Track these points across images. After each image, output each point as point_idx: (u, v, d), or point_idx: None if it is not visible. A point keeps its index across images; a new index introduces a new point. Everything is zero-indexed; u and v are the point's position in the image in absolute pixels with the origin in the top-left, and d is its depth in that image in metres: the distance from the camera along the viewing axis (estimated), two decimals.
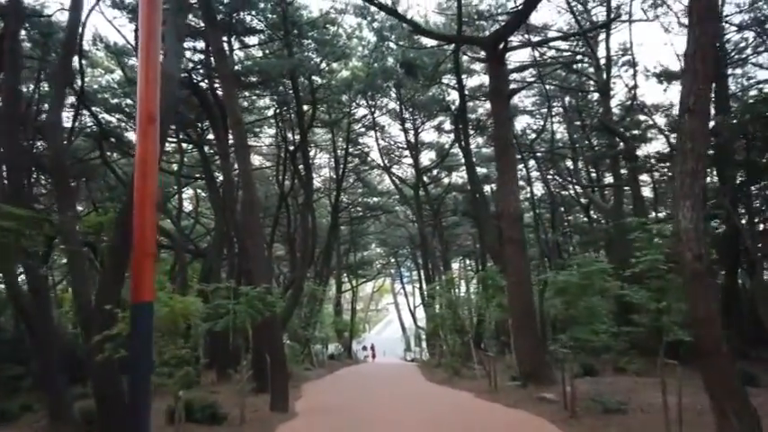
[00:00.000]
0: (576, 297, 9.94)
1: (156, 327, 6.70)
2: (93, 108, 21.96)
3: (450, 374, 17.33)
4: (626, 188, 20.10)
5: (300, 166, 23.87)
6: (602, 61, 20.68)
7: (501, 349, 22.81)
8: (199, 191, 34.80)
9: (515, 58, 51.81)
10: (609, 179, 29.16)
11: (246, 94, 24.92)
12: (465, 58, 24.34)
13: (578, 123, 27.93)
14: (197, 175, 29.45)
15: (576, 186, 30.46)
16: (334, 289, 43.92)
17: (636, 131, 24.94)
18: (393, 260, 57.56)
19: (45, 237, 17.76)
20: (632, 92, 20.58)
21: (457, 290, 22.84)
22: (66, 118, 21.68)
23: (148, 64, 4.50)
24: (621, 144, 18.54)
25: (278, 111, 26.42)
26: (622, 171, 22.19)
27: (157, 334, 6.78)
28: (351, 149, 33.76)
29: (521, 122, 31.72)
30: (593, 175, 30.00)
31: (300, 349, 23.83)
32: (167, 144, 28.91)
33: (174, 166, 29.78)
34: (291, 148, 25.23)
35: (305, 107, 23.77)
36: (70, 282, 15.41)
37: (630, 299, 7.83)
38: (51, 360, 9.48)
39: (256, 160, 36.25)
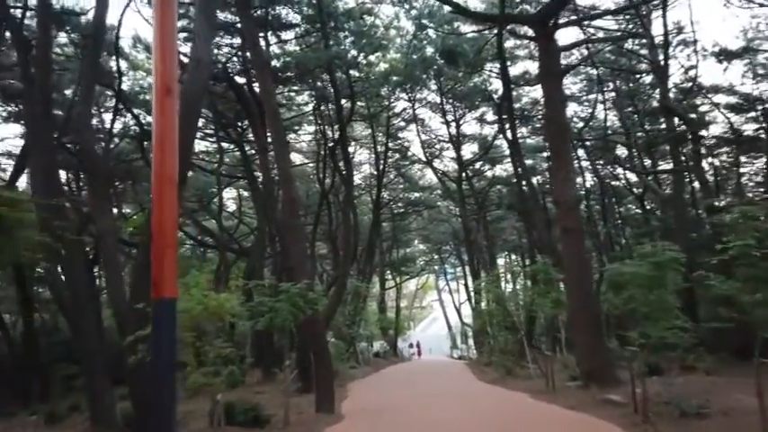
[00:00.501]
0: (644, 290, 9.01)
1: (192, 326, 6.25)
2: (135, 110, 22.14)
3: (502, 374, 16.51)
4: (686, 174, 18.74)
5: (340, 162, 23.45)
6: (658, 39, 19.33)
7: (553, 347, 21.78)
8: (241, 191, 34.98)
9: (564, 39, 49.98)
10: (663, 166, 27.62)
11: (284, 89, 24.66)
12: (508, 44, 23.39)
13: (630, 109, 26.46)
14: (238, 175, 29.46)
15: (630, 175, 28.93)
16: (378, 286, 43.49)
17: (694, 115, 23.40)
18: (436, 256, 56.62)
19: (91, 237, 17.95)
20: (691, 72, 19.15)
21: (505, 285, 21.92)
22: (107, 120, 22.03)
23: (163, 35, 4.00)
24: (683, 127, 17.22)
25: (316, 106, 26.06)
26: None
27: (193, 334, 6.31)
28: (391, 144, 33.17)
29: (567, 110, 30.39)
30: (647, 162, 28.40)
31: (345, 347, 23.42)
32: (207, 143, 29.26)
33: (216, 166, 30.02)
34: (330, 144, 24.83)
35: (343, 102, 23.33)
36: (106, 281, 15.40)
37: (717, 290, 6.89)
38: (93, 361, 9.25)
39: (296, 158, 36.16)
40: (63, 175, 25.57)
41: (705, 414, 8.39)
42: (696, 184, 23.56)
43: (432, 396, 13.31)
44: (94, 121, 22.65)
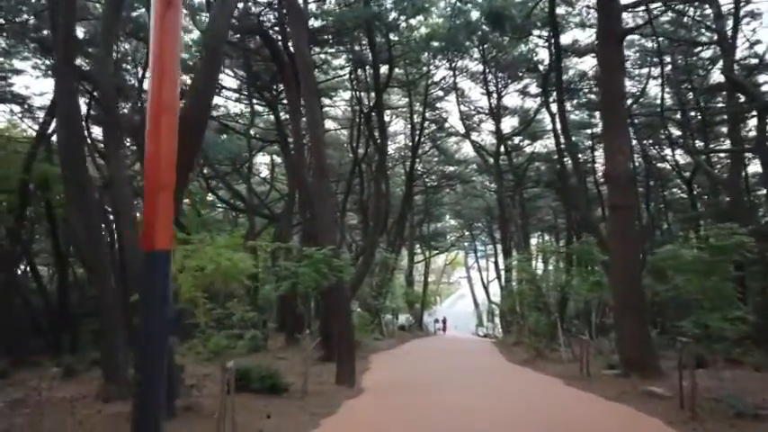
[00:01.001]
0: (701, 276, 8.16)
1: (204, 286, 5.74)
2: None
3: (532, 355, 15.82)
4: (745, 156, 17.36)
5: (375, 130, 22.71)
6: (726, 8, 17.77)
7: (582, 331, 20.92)
8: (274, 156, 34.64)
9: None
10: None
11: (320, 51, 23.90)
12: (559, 10, 22.01)
13: (686, 86, 24.79)
14: (271, 139, 29.03)
15: (678, 156, 27.35)
16: (407, 259, 42.97)
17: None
18: (467, 233, 55.69)
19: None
20: (757, 48, 17.59)
21: (537, 265, 21.04)
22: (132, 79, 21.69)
23: None
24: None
25: (353, 71, 25.24)
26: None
27: (205, 295, 5.81)
28: (428, 114, 32.15)
29: None
30: (699, 144, 26.75)
31: (370, 319, 23.06)
32: (242, 106, 28.86)
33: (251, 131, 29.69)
34: (366, 111, 24.07)
35: (381, 67, 22.46)
36: (118, 232, 15.15)
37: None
38: (109, 316, 8.94)
39: (330, 125, 35.52)
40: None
41: (763, 416, 7.59)
42: (751, 169, 22.08)
43: (457, 375, 12.75)
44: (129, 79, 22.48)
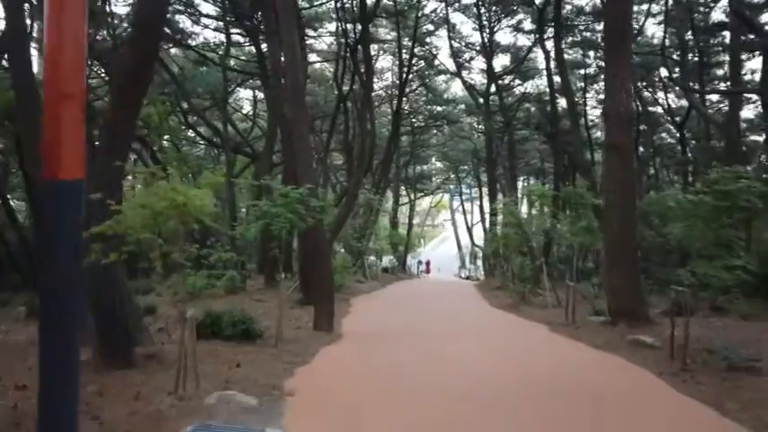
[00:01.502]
0: (703, 222, 7.65)
1: (153, 225, 5.04)
2: None
3: (516, 300, 15.58)
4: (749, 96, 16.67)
5: (361, 64, 21.51)
6: None
7: (565, 276, 20.80)
8: (257, 91, 33.22)
9: None
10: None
11: None
12: None
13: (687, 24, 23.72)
14: (250, 72, 27.59)
15: (672, 99, 26.64)
16: (392, 202, 42.45)
17: None
18: (453, 176, 55.16)
19: None
20: None
21: (522, 209, 20.57)
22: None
23: None
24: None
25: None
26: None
27: (152, 235, 5.11)
28: (417, 50, 30.71)
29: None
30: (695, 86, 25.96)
31: (353, 261, 22.67)
32: (221, 36, 27.22)
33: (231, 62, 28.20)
34: (351, 42, 22.72)
35: None
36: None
37: None
38: None
39: (314, 59, 33.93)
40: None
41: (757, 368, 7.29)
42: (743, 113, 21.48)
43: (440, 320, 12.45)
44: None
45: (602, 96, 33.96)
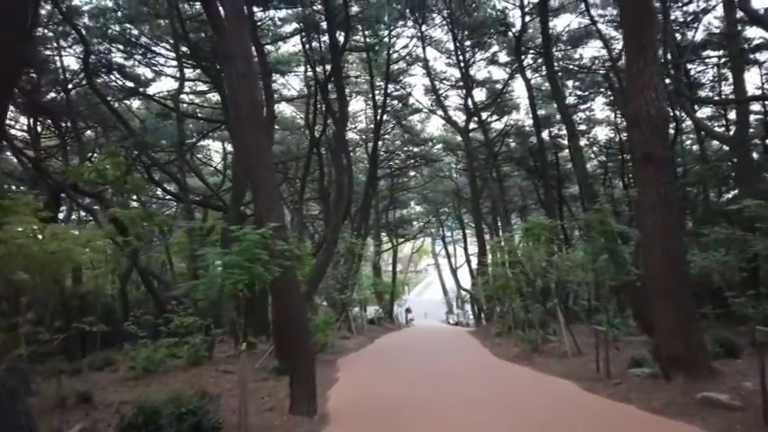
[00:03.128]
0: None
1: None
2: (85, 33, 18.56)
3: (525, 349, 13.53)
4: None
5: (333, 101, 20.00)
6: None
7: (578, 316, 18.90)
8: (226, 143, 31.53)
9: None
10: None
11: (266, 14, 20.99)
12: None
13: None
14: (216, 120, 25.92)
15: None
16: (372, 249, 40.49)
17: None
18: (434, 219, 53.63)
19: None
20: None
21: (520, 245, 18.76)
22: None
23: None
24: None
25: (305, 37, 22.37)
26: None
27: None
28: (390, 88, 29.53)
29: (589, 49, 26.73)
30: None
31: (335, 316, 20.43)
32: (189, 84, 25.70)
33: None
34: (322, 78, 21.28)
35: (337, 31, 19.73)
36: None
37: None
38: None
39: (284, 107, 32.60)
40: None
41: None
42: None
43: (446, 382, 10.31)
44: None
45: (583, 127, 33.31)
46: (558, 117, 31.25)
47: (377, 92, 29.02)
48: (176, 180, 23.80)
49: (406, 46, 28.32)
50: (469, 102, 28.63)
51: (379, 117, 28.09)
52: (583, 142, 33.95)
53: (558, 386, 9.21)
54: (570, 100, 30.05)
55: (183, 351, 12.75)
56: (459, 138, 35.26)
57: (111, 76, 22.55)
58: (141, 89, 23.21)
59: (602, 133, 34.41)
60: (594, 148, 34.37)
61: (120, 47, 21.49)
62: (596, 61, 26.43)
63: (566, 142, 33.54)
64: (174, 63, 23.57)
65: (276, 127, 34.82)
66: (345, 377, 11.43)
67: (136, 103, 28.83)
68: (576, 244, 21.24)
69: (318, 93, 22.02)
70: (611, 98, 28.96)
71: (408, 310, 47.34)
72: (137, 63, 22.88)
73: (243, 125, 7.94)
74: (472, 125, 29.59)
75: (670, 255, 7.56)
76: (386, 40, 26.75)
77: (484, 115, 32.63)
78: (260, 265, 6.12)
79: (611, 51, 20.22)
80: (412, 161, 37.58)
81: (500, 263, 20.51)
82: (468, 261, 49.17)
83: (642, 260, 9.47)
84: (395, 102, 31.91)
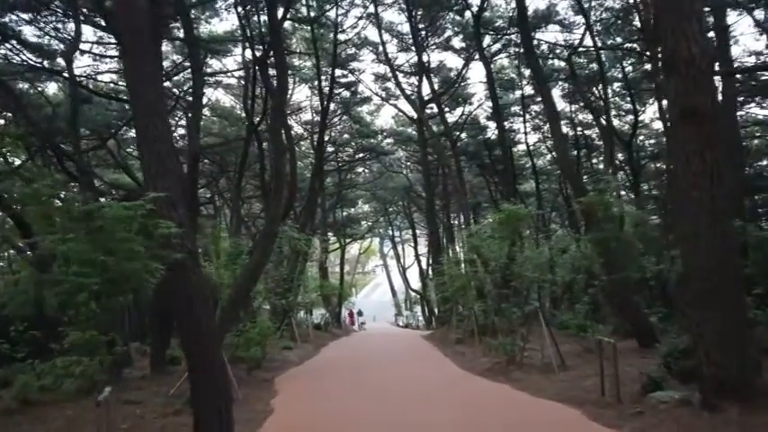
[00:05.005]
0: None
1: None
2: None
3: (500, 361, 11.50)
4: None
5: (273, 79, 17.47)
6: None
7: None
8: None
9: None
10: None
11: None
12: None
13: None
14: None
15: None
16: (318, 250, 37.93)
17: None
18: (383, 218, 51.64)
19: None
20: None
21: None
22: None
23: None
24: None
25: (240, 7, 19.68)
26: None
27: None
28: (338, 74, 27.18)
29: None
30: None
31: (277, 322, 17.91)
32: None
33: None
34: (260, 53, 18.65)
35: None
36: None
37: None
38: None
39: (221, 96, 29.71)
40: None
41: None
42: None
43: (408, 406, 8.10)
44: None
45: (538, 121, 32.13)
46: (515, 109, 30.01)
47: (323, 77, 26.60)
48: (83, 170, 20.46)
49: (354, 25, 25.95)
50: (423, 89, 26.66)
51: (325, 103, 25.64)
52: (535, 138, 32.93)
53: (557, 415, 7.18)
54: (528, 90, 28.73)
55: (67, 380, 9.91)
56: (410, 130, 33.41)
57: (8, 47, 18.94)
58: (46, 64, 19.68)
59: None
60: (549, 144, 33.28)
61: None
62: (555, 48, 25.15)
63: (519, 137, 32.45)
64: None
65: (214, 118, 32.04)
66: (283, 404, 9.01)
67: (53, 87, 25.23)
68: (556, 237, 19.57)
69: (257, 71, 19.44)
70: (570, 87, 27.84)
71: (360, 313, 45.13)
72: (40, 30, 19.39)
73: (124, 39, 5.40)
74: (426, 112, 27.63)
75: (721, 245, 5.66)
76: (332, 17, 24.41)
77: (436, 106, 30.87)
78: (126, 258, 3.72)
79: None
80: (361, 155, 35.28)
81: (461, 261, 18.65)
82: (419, 261, 47.47)
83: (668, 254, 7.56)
84: (342, 90, 29.59)
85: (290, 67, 27.33)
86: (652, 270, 9.68)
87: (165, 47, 25.04)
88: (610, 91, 26.84)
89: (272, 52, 16.91)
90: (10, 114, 21.15)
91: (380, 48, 26.72)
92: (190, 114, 17.62)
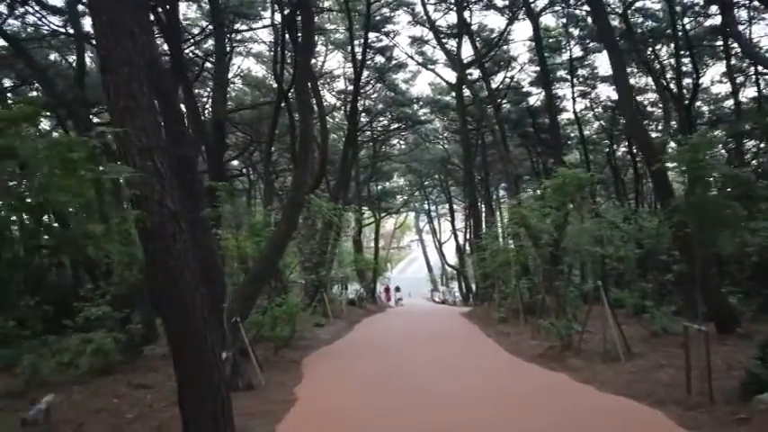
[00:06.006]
0: None
1: None
2: None
3: (557, 347, 10.20)
4: None
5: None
6: None
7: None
8: None
9: None
10: None
11: None
12: None
13: None
14: None
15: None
16: (353, 222, 37.02)
17: None
18: (418, 192, 50.13)
19: None
20: None
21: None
22: None
23: None
24: None
25: None
26: None
27: None
28: (372, 39, 25.67)
29: None
30: None
31: (305, 302, 16.98)
32: None
33: None
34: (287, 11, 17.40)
35: None
36: None
37: None
38: None
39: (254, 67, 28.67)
40: None
41: None
42: None
43: (457, 408, 6.92)
44: None
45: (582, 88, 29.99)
46: (561, 74, 27.97)
47: (356, 41, 25.17)
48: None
49: None
50: (463, 51, 24.93)
51: (359, 68, 24.27)
52: (582, 105, 30.78)
53: (635, 417, 5.89)
54: (576, 52, 26.66)
55: (79, 357, 9.16)
56: (448, 98, 31.74)
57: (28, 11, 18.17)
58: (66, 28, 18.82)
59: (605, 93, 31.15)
60: (598, 110, 31.09)
61: None
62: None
63: (565, 105, 30.40)
64: None
65: (246, 88, 31.08)
66: (307, 392, 7.99)
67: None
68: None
69: (286, 33, 18.25)
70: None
71: (397, 289, 44.18)
72: None
73: None
74: (467, 78, 25.90)
75: None
76: None
77: (477, 71, 29.06)
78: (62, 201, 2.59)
79: None
80: (396, 125, 33.81)
81: (504, 234, 17.28)
82: (456, 236, 46.04)
83: None
84: (377, 55, 28.11)
85: (321, 30, 26.02)
86: (752, 244, 8.14)
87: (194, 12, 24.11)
88: (665, 51, 24.70)
89: (299, 9, 15.67)
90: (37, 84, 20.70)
91: (418, 5, 25.06)
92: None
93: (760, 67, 17.96)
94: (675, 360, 8.17)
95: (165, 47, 13.78)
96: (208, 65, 23.12)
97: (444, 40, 26.38)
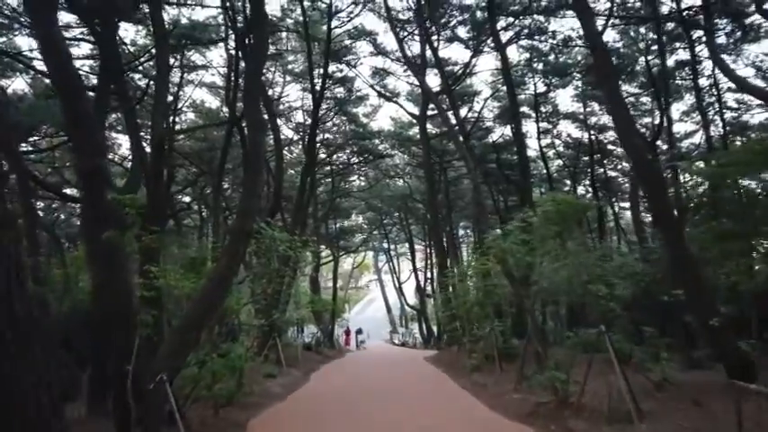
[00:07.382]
0: None
1: None
2: None
3: (542, 401, 8.68)
4: None
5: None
6: None
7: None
8: None
9: None
10: None
11: None
12: None
13: None
14: None
15: None
16: (310, 260, 35.05)
17: None
18: (377, 231, 48.81)
19: None
20: None
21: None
22: None
23: None
24: None
25: None
26: None
27: None
28: (330, 68, 24.56)
29: None
30: None
31: (253, 352, 14.99)
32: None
33: None
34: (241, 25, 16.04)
35: None
36: None
37: None
38: None
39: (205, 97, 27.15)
40: None
41: None
42: None
43: None
44: None
45: (544, 125, 29.63)
46: (524, 110, 27.48)
47: (315, 72, 23.97)
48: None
49: (350, 13, 23.41)
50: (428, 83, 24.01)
51: (317, 97, 23.00)
52: (546, 141, 30.42)
53: None
54: (540, 87, 26.34)
55: None
56: (410, 132, 30.91)
57: None
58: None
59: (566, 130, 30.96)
60: (559, 147, 30.78)
61: None
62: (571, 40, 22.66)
63: (528, 142, 29.93)
64: None
65: (199, 120, 29.30)
66: None
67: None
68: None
69: (239, 57, 16.87)
70: (585, 86, 25.45)
71: (359, 331, 42.16)
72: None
73: None
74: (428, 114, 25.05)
75: None
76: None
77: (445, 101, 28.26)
78: None
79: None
80: (356, 159, 32.58)
81: (474, 273, 15.94)
82: (416, 275, 44.58)
83: None
84: (337, 85, 27.04)
85: (278, 53, 24.82)
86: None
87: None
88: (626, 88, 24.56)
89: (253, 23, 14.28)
90: None
91: (380, 36, 24.20)
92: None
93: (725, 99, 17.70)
94: (699, 422, 6.80)
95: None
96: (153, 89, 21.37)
97: (406, 75, 25.60)
